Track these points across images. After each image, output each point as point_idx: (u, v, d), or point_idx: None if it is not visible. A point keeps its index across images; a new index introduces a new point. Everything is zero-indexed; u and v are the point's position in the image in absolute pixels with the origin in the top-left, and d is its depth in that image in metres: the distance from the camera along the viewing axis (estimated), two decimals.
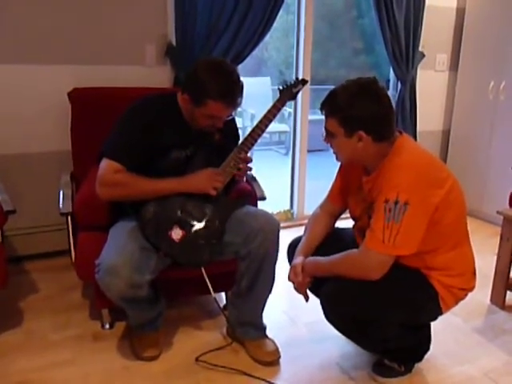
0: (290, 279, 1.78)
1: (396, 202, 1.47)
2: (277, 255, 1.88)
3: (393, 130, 1.60)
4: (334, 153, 1.66)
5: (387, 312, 1.61)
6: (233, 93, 1.74)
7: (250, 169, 1.89)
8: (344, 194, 1.84)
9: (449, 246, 1.62)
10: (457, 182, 1.61)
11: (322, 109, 1.61)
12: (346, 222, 1.92)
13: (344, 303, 1.61)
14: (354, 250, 1.61)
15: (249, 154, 1.87)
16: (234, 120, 2.00)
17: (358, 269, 1.58)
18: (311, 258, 1.75)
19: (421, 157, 1.59)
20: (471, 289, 1.71)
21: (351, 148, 1.58)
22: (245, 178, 2.23)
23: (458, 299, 1.70)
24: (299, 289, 1.76)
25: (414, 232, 1.52)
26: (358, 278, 1.57)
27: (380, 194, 1.53)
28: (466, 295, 1.71)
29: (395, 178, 1.51)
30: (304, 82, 1.93)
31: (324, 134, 1.63)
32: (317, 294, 1.75)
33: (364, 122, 1.52)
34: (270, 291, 1.94)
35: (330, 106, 1.58)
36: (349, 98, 1.53)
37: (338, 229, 1.94)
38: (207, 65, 1.76)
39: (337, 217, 1.90)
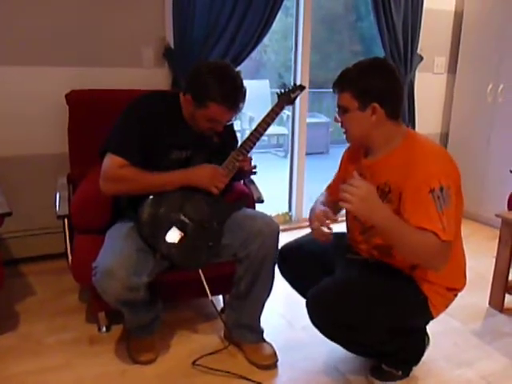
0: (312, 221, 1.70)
1: (441, 189, 1.46)
2: (275, 258, 1.87)
3: (402, 109, 1.63)
4: (345, 132, 1.65)
5: (373, 318, 1.58)
6: (235, 97, 1.74)
7: (255, 167, 1.91)
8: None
9: None
10: None
11: (334, 86, 1.62)
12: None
13: (329, 307, 1.58)
14: (427, 234, 1.46)
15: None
16: (231, 124, 2.00)
17: (432, 256, 1.48)
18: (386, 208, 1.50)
19: (439, 145, 1.62)
20: (460, 288, 1.70)
21: (364, 122, 1.57)
22: (242, 181, 2.24)
23: (447, 301, 1.69)
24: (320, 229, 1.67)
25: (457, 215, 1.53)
26: (420, 262, 1.54)
27: (414, 186, 1.48)
28: (455, 296, 1.70)
29: (431, 166, 1.50)
30: (302, 87, 1.96)
31: (336, 112, 1.63)
32: (303, 295, 1.73)
33: (378, 93, 1.54)
34: (268, 294, 1.92)
35: (343, 80, 1.59)
36: (362, 71, 1.56)
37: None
38: (211, 67, 1.75)
39: (336, 209, 1.85)
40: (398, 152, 1.58)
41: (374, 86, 1.54)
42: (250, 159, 1.90)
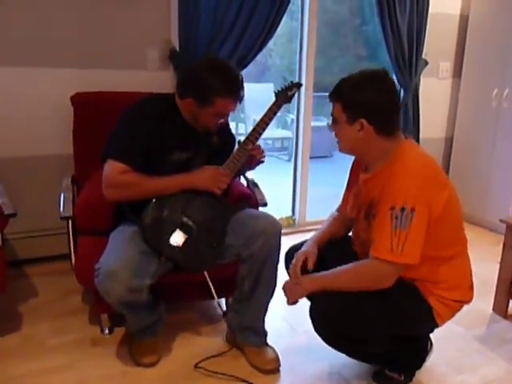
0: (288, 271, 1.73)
1: (402, 209, 1.44)
2: (278, 257, 1.88)
3: (396, 126, 1.58)
4: (337, 142, 1.64)
5: (377, 328, 1.57)
6: (237, 87, 1.78)
7: (263, 151, 1.93)
8: None
9: (446, 256, 1.60)
10: (455, 190, 1.59)
11: (330, 95, 1.61)
12: None
13: (333, 318, 1.56)
14: (361, 262, 1.59)
15: None
16: (227, 123, 2.03)
17: (367, 280, 1.55)
18: (311, 275, 1.67)
19: (426, 163, 1.55)
20: (468, 301, 1.68)
21: (352, 136, 1.56)
22: (246, 183, 2.25)
23: (453, 312, 1.67)
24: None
25: (421, 240, 1.48)
26: (366, 290, 1.53)
27: (383, 200, 1.50)
28: (461, 307, 1.68)
29: (401, 184, 1.48)
30: (298, 85, 1.96)
31: (330, 121, 1.63)
32: (309, 298, 1.73)
33: (366, 109, 1.51)
34: (271, 295, 1.92)
35: (336, 91, 1.58)
36: (354, 83, 1.54)
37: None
38: (204, 65, 1.78)
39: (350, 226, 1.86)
40: (389, 167, 1.55)
41: (363, 102, 1.51)
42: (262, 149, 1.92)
